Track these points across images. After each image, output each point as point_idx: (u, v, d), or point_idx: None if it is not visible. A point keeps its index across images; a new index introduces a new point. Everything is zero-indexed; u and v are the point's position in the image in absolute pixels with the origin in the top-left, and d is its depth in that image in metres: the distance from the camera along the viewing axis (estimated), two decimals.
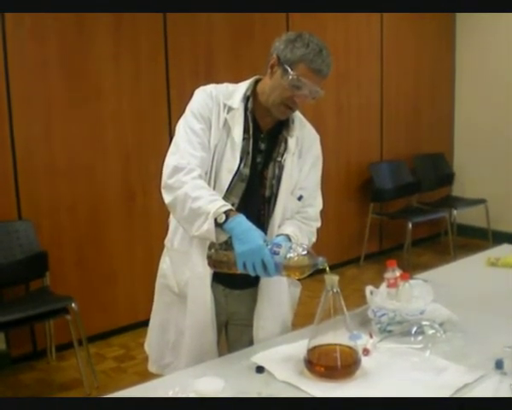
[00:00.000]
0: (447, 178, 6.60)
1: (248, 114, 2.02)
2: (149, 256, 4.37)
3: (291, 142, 2.06)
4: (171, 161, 1.95)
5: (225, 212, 1.81)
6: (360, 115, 5.89)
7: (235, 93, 2.03)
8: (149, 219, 4.46)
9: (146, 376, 1.92)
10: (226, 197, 1.97)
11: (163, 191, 1.95)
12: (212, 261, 1.88)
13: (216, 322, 2.08)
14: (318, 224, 2.18)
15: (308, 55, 1.89)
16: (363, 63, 5.85)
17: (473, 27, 6.33)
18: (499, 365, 1.73)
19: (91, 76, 4.19)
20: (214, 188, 1.98)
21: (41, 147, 4.03)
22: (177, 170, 1.91)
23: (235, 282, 2.08)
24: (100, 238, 4.34)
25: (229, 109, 2.00)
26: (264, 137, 2.05)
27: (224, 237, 1.84)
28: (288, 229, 2.03)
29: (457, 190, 6.67)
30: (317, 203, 2.18)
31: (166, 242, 2.17)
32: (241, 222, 1.80)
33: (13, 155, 3.91)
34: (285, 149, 2.06)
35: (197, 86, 2.06)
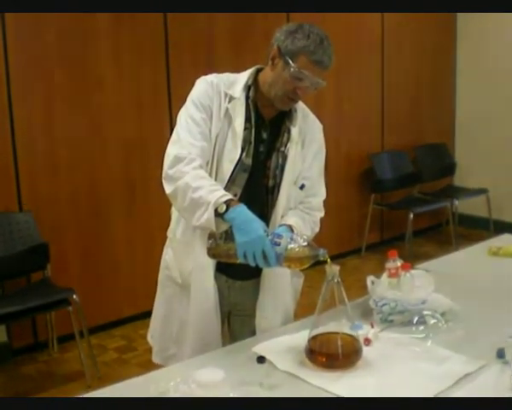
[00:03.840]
0: (449, 168, 6.59)
1: (250, 103, 2.01)
2: (151, 247, 4.36)
3: (294, 131, 2.05)
4: (171, 150, 1.94)
5: (226, 202, 1.80)
6: (361, 105, 5.87)
7: (236, 82, 2.02)
8: (150, 210, 4.45)
9: (148, 367, 1.93)
10: (228, 187, 1.96)
11: (164, 181, 1.95)
12: (211, 251, 1.88)
13: (219, 313, 2.08)
14: (322, 214, 2.17)
15: (309, 46, 1.88)
16: (364, 53, 5.83)
17: (474, 18, 6.30)
18: (501, 354, 1.73)
19: (92, 68, 4.18)
20: (216, 178, 1.97)
21: (41, 138, 4.02)
22: (177, 160, 1.90)
23: (237, 273, 2.08)
24: (101, 229, 4.34)
25: (231, 98, 1.99)
26: (267, 127, 2.04)
27: (224, 227, 1.84)
28: (291, 219, 2.03)
29: (459, 179, 6.66)
30: (320, 193, 2.17)
31: (169, 233, 2.17)
32: (242, 212, 1.80)
33: (13, 147, 3.91)
34: (288, 138, 2.05)
35: (198, 77, 2.05)
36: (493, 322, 2.00)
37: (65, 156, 4.12)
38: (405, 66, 6.17)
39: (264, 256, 1.75)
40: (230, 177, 1.98)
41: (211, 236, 1.87)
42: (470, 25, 6.44)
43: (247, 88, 2.02)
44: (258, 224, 1.78)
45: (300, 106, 2.10)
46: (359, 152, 5.92)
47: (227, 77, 2.04)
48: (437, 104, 6.56)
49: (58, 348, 4.10)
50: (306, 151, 2.10)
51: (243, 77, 2.04)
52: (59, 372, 3.85)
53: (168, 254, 2.16)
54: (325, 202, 2.18)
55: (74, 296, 3.63)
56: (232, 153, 1.97)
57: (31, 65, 3.94)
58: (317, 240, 2.13)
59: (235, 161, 1.97)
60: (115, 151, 4.35)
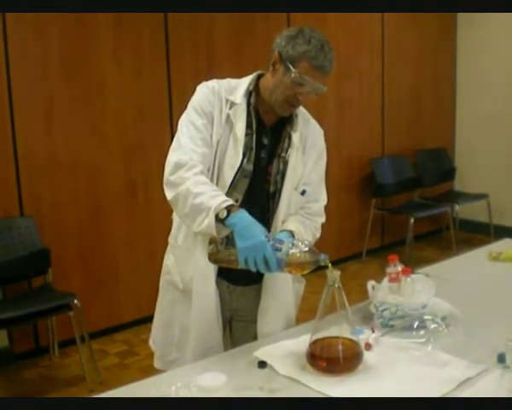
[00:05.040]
0: (449, 173, 6.59)
1: (251, 109, 2.01)
2: (152, 252, 4.39)
3: (295, 137, 2.05)
4: (172, 157, 1.95)
5: (227, 207, 1.80)
6: (361, 110, 5.88)
7: (237, 88, 2.03)
8: (152, 215, 4.46)
9: (149, 372, 1.92)
10: (229, 193, 1.97)
11: (165, 187, 1.95)
12: (212, 257, 1.88)
13: (221, 318, 2.08)
14: (323, 219, 2.17)
15: (310, 51, 1.87)
16: (365, 58, 5.84)
17: (474, 21, 6.31)
18: (501, 358, 1.73)
19: (92, 72, 4.19)
20: (217, 184, 1.98)
21: (42, 143, 4.03)
22: (178, 166, 1.91)
23: (239, 278, 2.08)
24: (102, 234, 4.34)
25: (232, 104, 2.00)
26: (268, 133, 2.05)
27: (225, 233, 1.84)
28: (292, 225, 2.03)
29: (459, 184, 6.66)
30: (321, 199, 2.17)
31: (170, 238, 2.17)
32: (243, 217, 1.80)
33: (14, 152, 3.91)
34: (289, 144, 2.05)
35: (198, 82, 2.06)
36: (494, 326, 2.00)
37: (66, 161, 4.12)
38: (405, 70, 6.18)
39: (266, 262, 1.75)
40: (231, 183, 1.98)
41: (212, 241, 1.87)
42: (471, 28, 6.44)
43: (249, 94, 2.02)
44: (259, 229, 1.79)
45: (301, 111, 2.10)
46: (360, 157, 5.92)
47: (228, 82, 2.05)
48: (437, 109, 6.57)
49: (59, 352, 4.10)
50: (307, 157, 2.10)
51: (244, 83, 2.04)
52: (60, 377, 3.85)
53: (169, 260, 2.16)
54: (326, 206, 2.18)
55: (75, 301, 3.63)
56: (233, 159, 1.97)
57: (31, 71, 3.94)
58: (318, 245, 2.13)
59: (237, 167, 1.97)
60: (116, 156, 4.35)
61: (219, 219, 1.81)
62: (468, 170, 6.60)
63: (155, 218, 4.42)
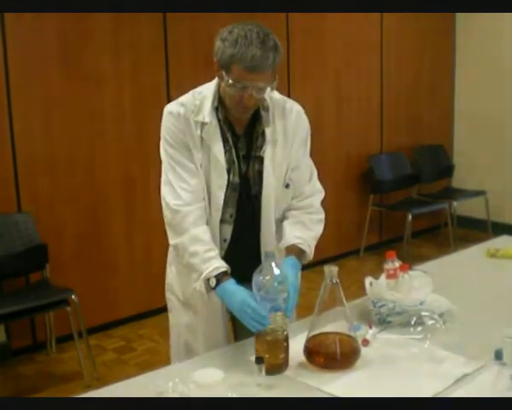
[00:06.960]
0: (447, 170, 6.58)
1: (222, 124, 1.96)
2: (149, 248, 4.39)
3: (268, 132, 1.98)
4: (166, 195, 1.96)
5: (216, 276, 1.84)
6: (360, 107, 5.86)
7: (203, 104, 1.95)
8: (149, 211, 4.44)
9: (146, 367, 1.93)
10: (225, 211, 1.99)
11: (167, 229, 1.98)
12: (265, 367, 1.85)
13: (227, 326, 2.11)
14: (321, 195, 2.14)
15: (237, 54, 1.75)
16: (363, 55, 5.82)
17: (473, 17, 6.30)
18: (498, 355, 1.73)
19: (91, 69, 4.17)
20: (210, 204, 1.98)
21: (40, 139, 4.01)
22: (175, 212, 1.93)
23: (243, 275, 2.08)
24: (100, 230, 4.34)
25: (202, 125, 1.94)
26: (243, 140, 2.00)
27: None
28: (292, 235, 2.01)
29: (457, 181, 6.65)
30: (313, 177, 2.12)
31: (170, 253, 2.19)
32: (226, 290, 1.84)
33: (12, 148, 3.90)
34: (263, 140, 1.99)
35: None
36: (491, 323, 1.99)
37: (64, 157, 4.11)
38: (404, 67, 6.17)
39: (257, 313, 1.75)
40: (224, 200, 1.99)
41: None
42: (470, 25, 6.43)
43: (215, 109, 1.95)
44: (241, 293, 1.80)
45: (274, 100, 2.00)
46: (358, 153, 5.91)
47: (193, 98, 1.98)
48: (435, 106, 6.56)
49: (56, 348, 4.10)
50: (290, 147, 2.03)
51: (209, 96, 1.95)
52: (57, 373, 3.85)
53: (171, 272, 2.18)
54: (323, 202, 2.15)
55: (73, 297, 3.63)
56: (220, 180, 1.96)
57: (30, 65, 3.93)
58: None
59: (225, 186, 1.97)
60: (114, 152, 4.34)
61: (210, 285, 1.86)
62: (466, 167, 6.59)
63: (153, 214, 4.38)
